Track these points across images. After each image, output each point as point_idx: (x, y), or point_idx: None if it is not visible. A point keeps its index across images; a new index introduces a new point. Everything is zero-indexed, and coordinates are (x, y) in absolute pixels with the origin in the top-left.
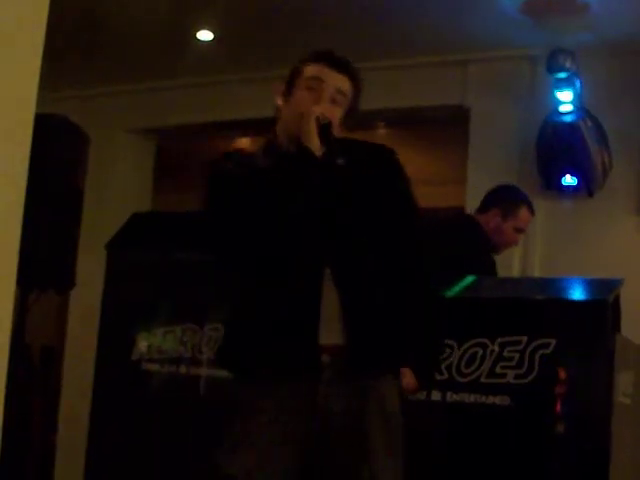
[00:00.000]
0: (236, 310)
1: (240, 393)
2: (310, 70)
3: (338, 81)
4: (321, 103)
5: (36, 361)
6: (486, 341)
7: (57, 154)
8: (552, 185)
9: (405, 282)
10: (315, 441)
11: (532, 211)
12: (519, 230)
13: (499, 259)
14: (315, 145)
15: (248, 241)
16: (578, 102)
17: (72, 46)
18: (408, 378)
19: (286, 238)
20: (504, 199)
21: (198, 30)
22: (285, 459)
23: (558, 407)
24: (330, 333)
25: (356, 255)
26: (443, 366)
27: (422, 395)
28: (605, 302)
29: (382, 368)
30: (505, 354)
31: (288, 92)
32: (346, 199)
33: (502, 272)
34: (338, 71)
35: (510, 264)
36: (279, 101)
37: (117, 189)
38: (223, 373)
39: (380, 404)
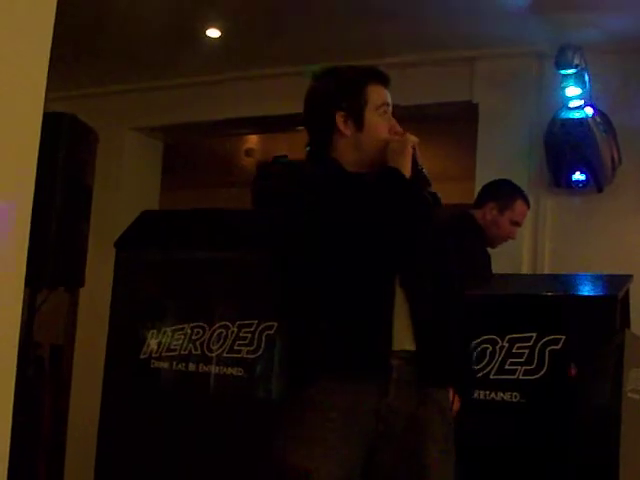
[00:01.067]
0: (314, 312)
1: (308, 391)
2: (380, 95)
3: (390, 101)
4: (395, 127)
5: (46, 360)
6: (496, 337)
7: (65, 153)
8: (561, 181)
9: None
10: (378, 440)
11: (528, 204)
12: (516, 223)
13: (509, 256)
14: (408, 170)
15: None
16: (587, 98)
17: (80, 45)
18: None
19: (365, 250)
20: (500, 193)
21: (206, 28)
22: (353, 456)
23: (567, 405)
24: (401, 340)
25: (427, 272)
26: None
27: None
28: (614, 298)
29: (445, 379)
30: (515, 350)
31: (358, 119)
32: (428, 223)
33: (511, 268)
34: (387, 90)
35: (520, 260)
36: (347, 130)
37: (125, 187)
38: (232, 371)
39: (442, 412)
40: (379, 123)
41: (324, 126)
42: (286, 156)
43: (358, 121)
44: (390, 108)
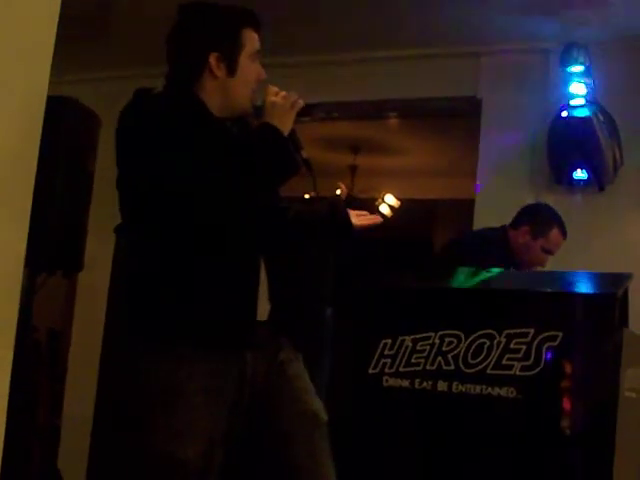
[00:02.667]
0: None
1: (167, 373)
2: (254, 42)
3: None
4: (262, 75)
5: (43, 344)
6: (493, 332)
7: (68, 137)
8: (563, 179)
9: None
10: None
11: (564, 234)
12: (547, 251)
13: None
14: (287, 132)
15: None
16: (591, 96)
17: (85, 29)
18: None
19: (227, 209)
20: (537, 218)
21: None
22: (219, 426)
23: (564, 402)
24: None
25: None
26: (450, 356)
27: (428, 385)
28: (613, 296)
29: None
30: (512, 346)
31: (232, 63)
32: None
33: None
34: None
35: None
36: (219, 72)
37: None
38: None
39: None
40: (251, 70)
41: (195, 65)
42: (152, 89)
43: (231, 65)
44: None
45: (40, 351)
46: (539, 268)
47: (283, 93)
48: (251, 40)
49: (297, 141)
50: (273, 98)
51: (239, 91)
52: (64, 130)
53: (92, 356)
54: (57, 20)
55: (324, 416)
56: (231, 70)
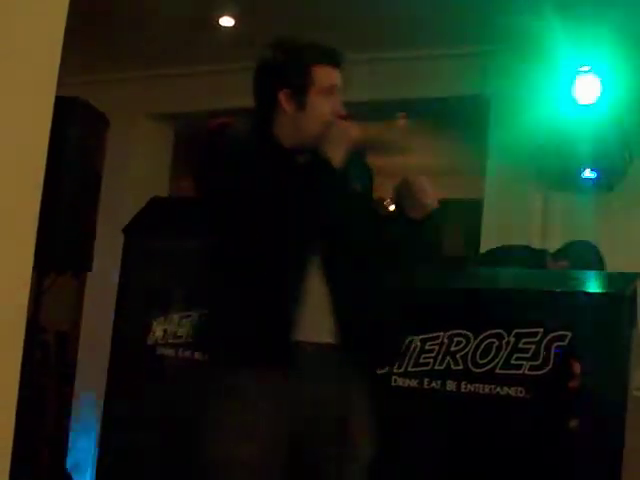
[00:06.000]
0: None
1: (222, 378)
2: (327, 77)
3: (340, 82)
4: (338, 109)
5: (52, 345)
6: (502, 332)
7: (77, 137)
8: (571, 179)
9: None
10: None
11: None
12: None
13: None
14: (338, 161)
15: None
16: (599, 96)
17: (94, 31)
18: None
19: (279, 238)
20: (574, 255)
21: (220, 16)
22: (280, 441)
23: (572, 401)
24: (317, 331)
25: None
26: (458, 356)
27: (437, 385)
28: (622, 296)
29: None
30: (521, 345)
31: (301, 99)
32: (349, 220)
33: None
34: (339, 70)
35: None
36: (289, 107)
37: (135, 173)
38: None
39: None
40: (323, 105)
41: (268, 101)
42: (231, 124)
43: (301, 101)
44: (339, 93)
45: (49, 352)
46: None
47: (344, 123)
48: (323, 75)
49: (366, 169)
50: (333, 125)
51: (310, 126)
52: (73, 131)
53: (101, 357)
54: (65, 20)
55: (366, 454)
56: (301, 106)
